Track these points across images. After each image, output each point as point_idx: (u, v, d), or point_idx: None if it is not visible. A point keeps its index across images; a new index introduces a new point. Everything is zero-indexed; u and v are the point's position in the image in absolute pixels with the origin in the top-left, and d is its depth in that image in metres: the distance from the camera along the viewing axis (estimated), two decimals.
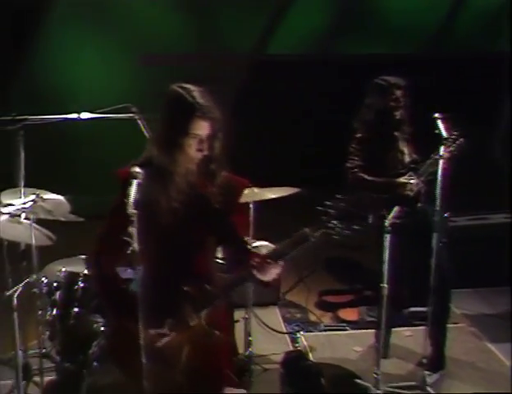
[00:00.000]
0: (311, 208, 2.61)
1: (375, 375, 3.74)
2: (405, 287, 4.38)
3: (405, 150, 4.11)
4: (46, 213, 3.68)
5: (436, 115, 3.71)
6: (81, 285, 3.69)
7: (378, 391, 3.74)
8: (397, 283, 3.93)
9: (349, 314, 5.07)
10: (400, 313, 4.79)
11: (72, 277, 3.73)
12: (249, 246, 2.76)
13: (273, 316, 4.99)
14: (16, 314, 3.39)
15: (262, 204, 3.97)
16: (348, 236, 2.49)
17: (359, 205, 2.63)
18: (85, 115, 3.73)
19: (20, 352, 3.57)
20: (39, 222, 3.67)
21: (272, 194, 3.91)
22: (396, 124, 4.07)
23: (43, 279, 3.86)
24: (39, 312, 3.77)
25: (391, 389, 3.85)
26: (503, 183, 5.15)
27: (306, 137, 7.48)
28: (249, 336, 4.13)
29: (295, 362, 4.03)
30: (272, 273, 2.55)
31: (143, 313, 2.37)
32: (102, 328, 3.54)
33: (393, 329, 4.37)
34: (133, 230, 2.27)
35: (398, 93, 4.04)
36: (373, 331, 4.37)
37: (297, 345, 4.53)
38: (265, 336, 4.62)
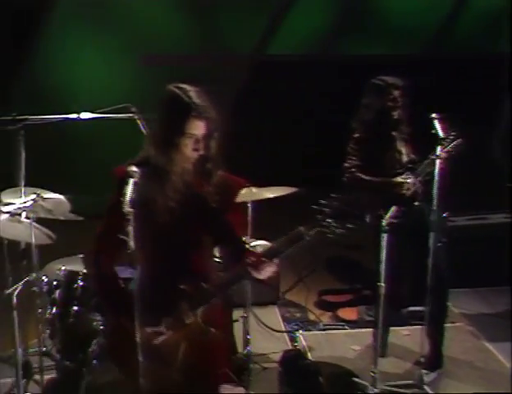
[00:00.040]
0: (310, 207, 2.63)
1: (372, 374, 3.77)
2: (403, 287, 4.40)
3: (403, 150, 4.12)
4: (46, 212, 3.71)
5: (433, 115, 3.72)
6: (81, 283, 3.71)
7: (376, 390, 3.76)
8: (395, 283, 3.96)
9: (349, 314, 5.09)
10: (399, 313, 4.82)
11: (72, 276, 3.76)
12: (245, 245, 2.77)
13: (272, 315, 5.01)
14: (15, 313, 3.42)
15: (261, 204, 3.99)
16: (342, 235, 2.51)
17: (354, 204, 2.65)
18: (85, 115, 3.75)
19: (20, 350, 3.59)
20: (40, 221, 3.69)
21: (270, 193, 3.93)
22: (394, 124, 4.09)
23: (44, 278, 3.89)
24: (39, 310, 3.79)
25: (389, 388, 3.86)
26: (502, 183, 5.16)
27: (307, 137, 7.50)
28: (248, 334, 4.14)
29: (294, 361, 4.05)
30: (267, 271, 2.58)
31: (140, 312, 2.40)
32: (101, 327, 3.56)
33: (391, 328, 4.39)
34: (129, 228, 2.30)
35: (396, 93, 4.05)
36: (372, 330, 4.38)
37: (296, 344, 4.55)
38: (264, 335, 4.63)
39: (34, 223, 3.58)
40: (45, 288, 3.86)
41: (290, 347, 4.50)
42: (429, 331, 4.02)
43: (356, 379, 3.96)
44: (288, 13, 7.55)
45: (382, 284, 3.68)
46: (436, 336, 4.11)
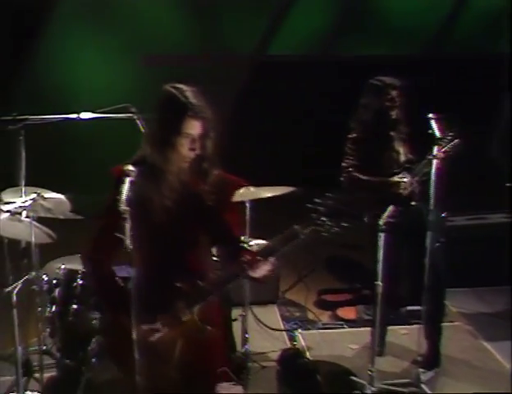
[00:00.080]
0: (307, 206, 2.65)
1: (369, 372, 3.79)
2: (401, 286, 4.42)
3: (401, 150, 4.14)
4: (46, 212, 3.73)
5: (430, 115, 3.73)
6: (80, 282, 3.75)
7: (373, 389, 3.78)
8: (392, 282, 3.98)
9: (348, 313, 5.10)
10: (398, 312, 4.84)
11: (71, 275, 3.79)
12: (242, 244, 2.80)
13: (272, 314, 5.03)
14: (15, 311, 3.43)
15: (260, 203, 4.01)
16: (337, 233, 2.53)
17: (350, 203, 2.67)
18: (85, 115, 3.77)
19: (20, 349, 3.61)
20: (40, 220, 3.71)
21: (268, 192, 3.95)
22: (392, 124, 4.11)
23: (44, 276, 3.92)
24: (39, 309, 3.82)
25: (386, 386, 3.88)
26: (501, 183, 5.17)
27: (307, 137, 7.52)
28: (246, 333, 4.17)
29: (292, 359, 4.07)
30: (262, 270, 2.60)
31: (137, 309, 2.42)
32: (100, 325, 3.59)
33: (389, 327, 4.42)
34: (126, 227, 2.33)
35: (393, 93, 4.07)
36: (370, 329, 4.40)
37: (295, 343, 4.57)
38: (263, 334, 4.66)
39: (35, 222, 3.60)
40: (45, 287, 3.90)
41: (289, 346, 4.52)
42: (426, 330, 4.05)
43: (354, 378, 3.99)
44: (288, 13, 7.58)
45: (380, 283, 3.70)
46: (433, 336, 4.13)
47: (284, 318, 5.03)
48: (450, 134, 3.90)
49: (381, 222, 3.58)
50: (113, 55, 7.21)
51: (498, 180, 5.71)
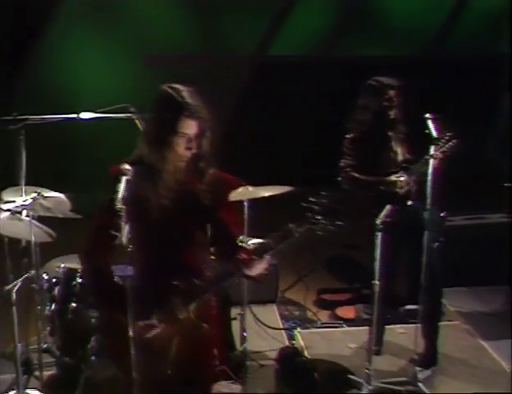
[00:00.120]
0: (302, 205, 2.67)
1: (367, 371, 3.81)
2: (399, 285, 4.44)
3: (399, 150, 4.16)
4: (45, 211, 3.76)
5: (427, 115, 3.75)
6: (79, 281, 3.78)
7: (370, 387, 3.80)
8: (390, 281, 4.01)
9: (347, 312, 5.12)
10: (396, 311, 4.86)
11: (70, 273, 3.83)
12: (238, 243, 2.82)
13: (271, 313, 5.05)
14: (14, 309, 3.47)
15: (258, 203, 4.04)
16: (332, 232, 2.55)
17: (345, 202, 2.69)
18: (84, 114, 3.80)
19: (20, 346, 3.64)
20: (40, 219, 3.74)
21: (266, 192, 3.97)
22: (390, 124, 4.12)
23: (44, 275, 3.96)
24: (38, 307, 3.85)
25: (383, 385, 3.90)
26: (500, 183, 5.18)
27: (307, 137, 7.54)
28: (244, 331, 4.19)
29: (290, 358, 4.10)
30: (257, 268, 2.63)
31: (133, 307, 2.45)
32: (97, 322, 3.62)
33: (387, 326, 4.43)
34: (122, 225, 2.35)
35: (391, 93, 4.09)
36: (368, 328, 4.42)
37: (294, 342, 4.59)
38: (262, 332, 4.67)
39: (34, 221, 3.63)
40: (45, 285, 3.93)
41: (288, 345, 4.53)
42: (423, 329, 4.06)
43: (351, 376, 4.01)
44: (289, 14, 7.60)
45: (377, 282, 3.72)
46: (430, 335, 4.14)
47: (283, 317, 5.05)
48: (448, 134, 3.92)
49: (378, 221, 3.60)
50: (114, 55, 7.24)
51: (497, 180, 5.73)
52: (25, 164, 3.58)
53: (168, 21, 7.30)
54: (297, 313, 5.17)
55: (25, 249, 3.84)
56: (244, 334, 4.18)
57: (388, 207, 3.66)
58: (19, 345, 3.58)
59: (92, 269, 2.72)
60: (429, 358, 4.14)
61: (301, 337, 4.66)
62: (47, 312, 3.89)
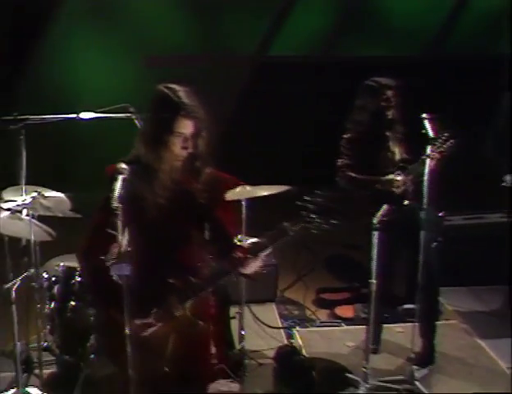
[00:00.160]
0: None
1: (364, 369, 3.83)
2: (396, 284, 4.46)
3: (397, 150, 4.18)
4: (45, 210, 3.79)
5: (424, 115, 3.77)
6: (78, 279, 3.81)
7: (367, 385, 3.82)
8: (387, 280, 4.03)
9: (345, 311, 5.14)
10: (395, 310, 4.88)
11: (69, 272, 3.86)
12: (234, 241, 2.85)
13: (270, 312, 5.07)
14: (14, 307, 3.50)
15: (257, 202, 4.06)
16: (326, 230, 2.58)
17: (340, 201, 2.72)
18: (84, 114, 3.83)
19: (19, 345, 3.66)
20: (41, 218, 3.77)
21: (264, 191, 4.00)
22: (388, 124, 4.15)
23: (44, 274, 3.99)
24: (38, 306, 3.88)
25: (380, 383, 3.92)
26: (499, 183, 5.19)
27: (307, 137, 7.56)
28: (242, 330, 4.21)
29: (288, 357, 4.13)
30: (252, 267, 2.66)
31: (130, 305, 2.48)
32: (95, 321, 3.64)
33: (385, 325, 4.45)
34: (118, 223, 2.38)
35: (389, 93, 4.11)
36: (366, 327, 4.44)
37: (292, 340, 4.61)
38: (261, 331, 4.69)
39: (34, 220, 3.65)
40: (45, 284, 3.96)
41: (286, 343, 4.56)
42: (421, 328, 4.09)
43: (349, 375, 4.04)
44: (289, 14, 7.62)
45: (374, 281, 3.74)
46: (427, 334, 4.17)
47: (282, 317, 5.06)
48: (446, 134, 3.93)
49: (374, 221, 3.62)
50: (114, 55, 7.27)
51: (496, 180, 5.74)
52: (26, 164, 3.59)
53: (168, 22, 7.33)
54: (296, 312, 5.19)
55: (25, 248, 3.85)
56: (242, 332, 4.20)
57: (385, 206, 3.68)
58: (18, 343, 3.60)
59: (89, 268, 2.76)
60: (426, 357, 4.16)
61: (299, 336, 4.68)
62: (46, 310, 3.92)
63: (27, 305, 3.78)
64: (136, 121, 3.82)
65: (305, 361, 4.13)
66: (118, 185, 2.44)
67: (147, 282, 2.60)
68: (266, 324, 4.77)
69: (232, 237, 2.86)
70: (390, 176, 3.99)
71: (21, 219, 3.66)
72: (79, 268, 3.78)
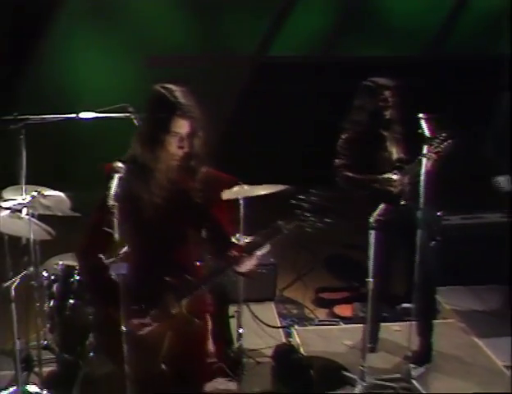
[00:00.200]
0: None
1: (361, 367, 3.85)
2: (395, 284, 4.48)
3: (394, 150, 4.20)
4: (44, 209, 3.82)
5: (421, 115, 3.79)
6: (77, 278, 3.84)
7: (364, 384, 3.84)
8: (384, 279, 4.05)
9: (344, 311, 5.16)
10: (393, 309, 4.90)
11: (68, 271, 3.88)
12: (230, 239, 2.87)
13: (269, 312, 5.09)
14: (13, 305, 3.52)
15: (255, 201, 4.08)
16: (321, 229, 2.60)
17: (335, 200, 2.74)
18: (83, 114, 3.86)
19: (19, 343, 3.68)
20: (41, 218, 3.79)
21: (261, 190, 4.02)
22: (385, 124, 4.16)
23: (44, 273, 4.02)
24: (37, 304, 3.91)
25: (378, 381, 3.94)
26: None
27: (307, 137, 7.58)
28: (240, 328, 4.24)
29: (286, 355, 4.14)
30: (247, 265, 2.68)
31: (126, 303, 2.50)
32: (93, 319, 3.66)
33: (382, 324, 4.47)
34: (114, 221, 2.41)
35: (386, 93, 4.13)
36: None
37: (291, 339, 4.62)
38: (259, 330, 4.70)
39: (34, 219, 3.68)
40: (45, 282, 3.99)
41: (284, 342, 4.58)
42: (418, 327, 4.11)
43: (346, 373, 4.06)
44: (289, 14, 7.64)
45: (371, 280, 3.77)
46: (424, 332, 4.19)
47: (281, 316, 5.09)
48: (443, 135, 3.95)
49: (371, 220, 3.64)
50: (115, 55, 7.29)
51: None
52: (26, 163, 3.62)
53: (168, 22, 7.35)
54: (295, 311, 5.21)
55: (25, 247, 3.88)
56: (240, 331, 4.22)
57: (382, 206, 3.70)
58: (18, 341, 3.63)
59: (87, 266, 2.79)
60: (423, 355, 4.18)
61: (297, 335, 4.69)
62: (46, 309, 3.94)
63: (27, 304, 3.80)
64: (135, 121, 3.84)
65: (303, 360, 4.15)
66: (114, 184, 2.46)
67: (143, 281, 2.63)
68: (264, 323, 4.79)
69: (229, 236, 2.88)
70: (387, 175, 4.00)
71: (21, 218, 3.68)
72: (78, 267, 3.81)
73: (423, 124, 3.77)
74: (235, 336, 4.31)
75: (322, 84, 7.46)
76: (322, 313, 5.17)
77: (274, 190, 4.06)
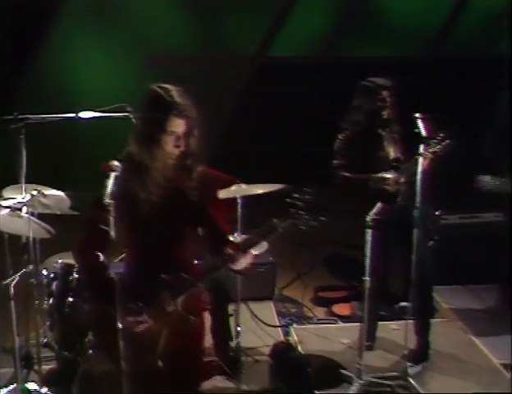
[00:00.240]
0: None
1: (358, 366, 3.87)
2: (393, 283, 4.49)
3: (392, 150, 4.21)
4: (44, 208, 3.84)
5: (417, 115, 3.80)
6: (76, 276, 3.86)
7: (360, 381, 3.86)
8: (381, 278, 4.08)
9: (343, 309, 5.18)
10: (391, 308, 4.92)
11: (67, 269, 3.91)
12: (226, 238, 2.89)
13: (268, 310, 5.11)
14: (13, 303, 3.55)
15: (252, 200, 4.10)
16: (315, 227, 2.63)
17: (329, 199, 2.76)
18: (83, 114, 3.88)
19: (22, 341, 3.72)
20: (41, 216, 3.81)
21: (258, 189, 4.04)
22: (383, 124, 4.17)
23: (43, 271, 4.05)
24: (36, 302, 3.93)
25: (374, 379, 3.96)
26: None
27: (307, 137, 7.59)
28: (238, 326, 4.26)
29: (284, 353, 4.16)
30: (242, 263, 2.71)
31: (123, 301, 2.53)
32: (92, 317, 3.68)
33: (380, 322, 4.49)
34: (111, 219, 2.44)
35: (384, 93, 4.14)
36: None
37: (289, 338, 4.65)
38: (258, 328, 4.73)
39: (34, 218, 3.69)
40: (44, 280, 4.02)
41: (281, 340, 4.60)
42: (415, 325, 4.14)
43: (343, 371, 4.08)
44: (289, 15, 7.65)
45: (367, 278, 3.79)
46: (421, 331, 4.21)
47: (280, 314, 5.11)
48: (441, 134, 3.96)
49: (368, 219, 3.66)
50: (115, 55, 7.31)
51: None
52: (26, 163, 3.64)
53: (168, 22, 7.37)
54: (294, 310, 5.23)
55: (25, 245, 3.89)
56: (238, 329, 4.25)
57: (378, 205, 3.72)
58: (17, 339, 3.65)
59: (85, 264, 2.81)
60: (420, 354, 4.20)
61: (295, 333, 4.71)
62: (45, 307, 3.97)
63: (26, 302, 3.82)
64: (134, 121, 3.86)
65: (301, 358, 4.17)
66: (111, 182, 2.49)
67: (140, 279, 2.66)
68: (263, 322, 4.81)
69: (225, 234, 2.90)
70: (381, 174, 4.01)
71: (21, 217, 3.70)
72: (76, 265, 3.83)
73: (420, 124, 3.78)
74: (233, 334, 4.33)
75: (322, 84, 7.48)
76: (320, 312, 5.19)
77: (272, 189, 4.08)
